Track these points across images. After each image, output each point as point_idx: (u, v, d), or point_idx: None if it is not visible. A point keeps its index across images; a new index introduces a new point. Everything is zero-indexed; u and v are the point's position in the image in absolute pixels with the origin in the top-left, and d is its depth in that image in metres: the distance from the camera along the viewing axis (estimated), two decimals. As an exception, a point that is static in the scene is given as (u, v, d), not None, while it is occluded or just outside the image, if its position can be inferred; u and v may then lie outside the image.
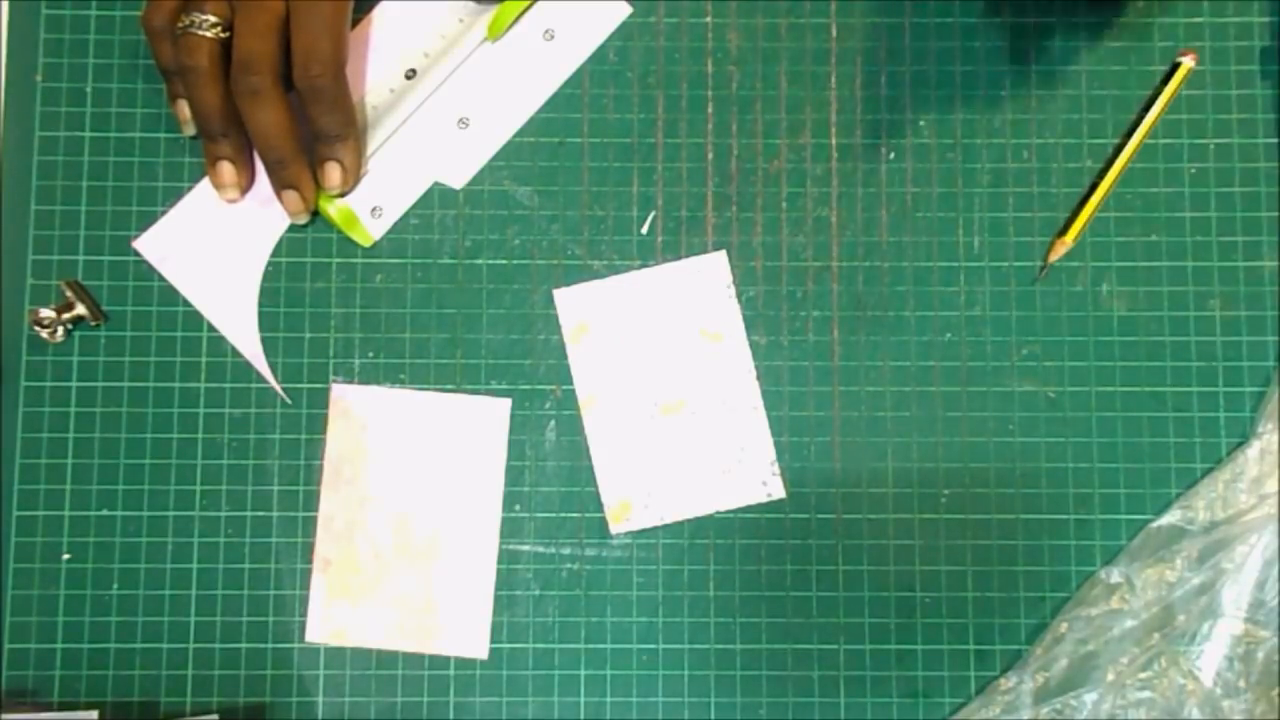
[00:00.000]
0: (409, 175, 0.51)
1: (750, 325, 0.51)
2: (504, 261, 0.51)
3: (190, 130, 0.50)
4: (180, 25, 0.47)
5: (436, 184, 0.51)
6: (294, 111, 0.48)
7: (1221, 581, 0.48)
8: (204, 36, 0.47)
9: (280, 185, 0.49)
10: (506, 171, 0.52)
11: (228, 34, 0.47)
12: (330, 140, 0.49)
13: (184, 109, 0.49)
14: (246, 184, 0.50)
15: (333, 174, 0.49)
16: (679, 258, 0.51)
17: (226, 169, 0.50)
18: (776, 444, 0.50)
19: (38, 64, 0.52)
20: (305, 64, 0.47)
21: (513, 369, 0.51)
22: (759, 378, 0.51)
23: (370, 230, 0.51)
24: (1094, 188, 0.51)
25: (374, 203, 0.51)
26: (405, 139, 0.51)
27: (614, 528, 0.50)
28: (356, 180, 0.51)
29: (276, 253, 0.51)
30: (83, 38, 0.52)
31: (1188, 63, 0.51)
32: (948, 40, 0.52)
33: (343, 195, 0.50)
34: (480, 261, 0.51)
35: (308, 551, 0.50)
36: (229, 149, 0.49)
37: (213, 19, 0.47)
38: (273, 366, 0.50)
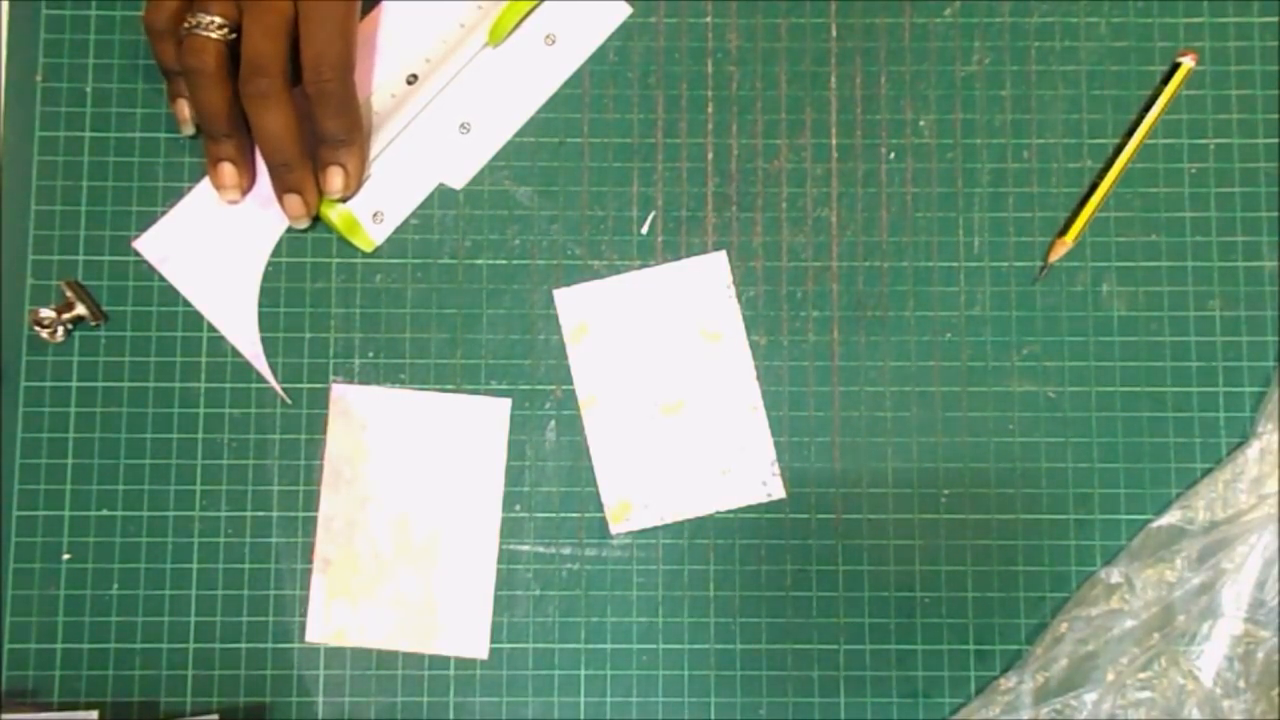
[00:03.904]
0: (411, 181, 0.51)
1: (750, 325, 0.51)
2: (504, 261, 0.51)
3: (189, 130, 0.50)
4: (185, 26, 0.47)
5: (436, 184, 0.51)
6: (301, 115, 0.48)
7: (1221, 581, 0.48)
8: (210, 38, 0.47)
9: (283, 189, 0.49)
10: (506, 172, 0.52)
11: (233, 35, 0.47)
12: (335, 145, 0.49)
13: (184, 109, 0.49)
14: (247, 185, 0.50)
15: (335, 179, 0.49)
16: (679, 258, 0.51)
17: (228, 170, 0.49)
18: (776, 444, 0.50)
19: (38, 64, 0.52)
20: (316, 67, 0.47)
21: (513, 369, 0.51)
22: (759, 378, 0.51)
23: (372, 235, 0.51)
24: (1094, 188, 0.51)
25: (376, 208, 0.51)
26: (407, 144, 0.51)
27: (614, 528, 0.50)
28: (359, 186, 0.51)
29: (276, 253, 0.51)
30: (83, 38, 0.52)
31: (1188, 63, 0.51)
32: (948, 40, 0.52)
33: (344, 200, 0.50)
34: (480, 261, 0.51)
35: (308, 551, 0.50)
36: (231, 150, 0.49)
37: (218, 20, 0.46)
38: (273, 366, 0.51)
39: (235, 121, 0.48)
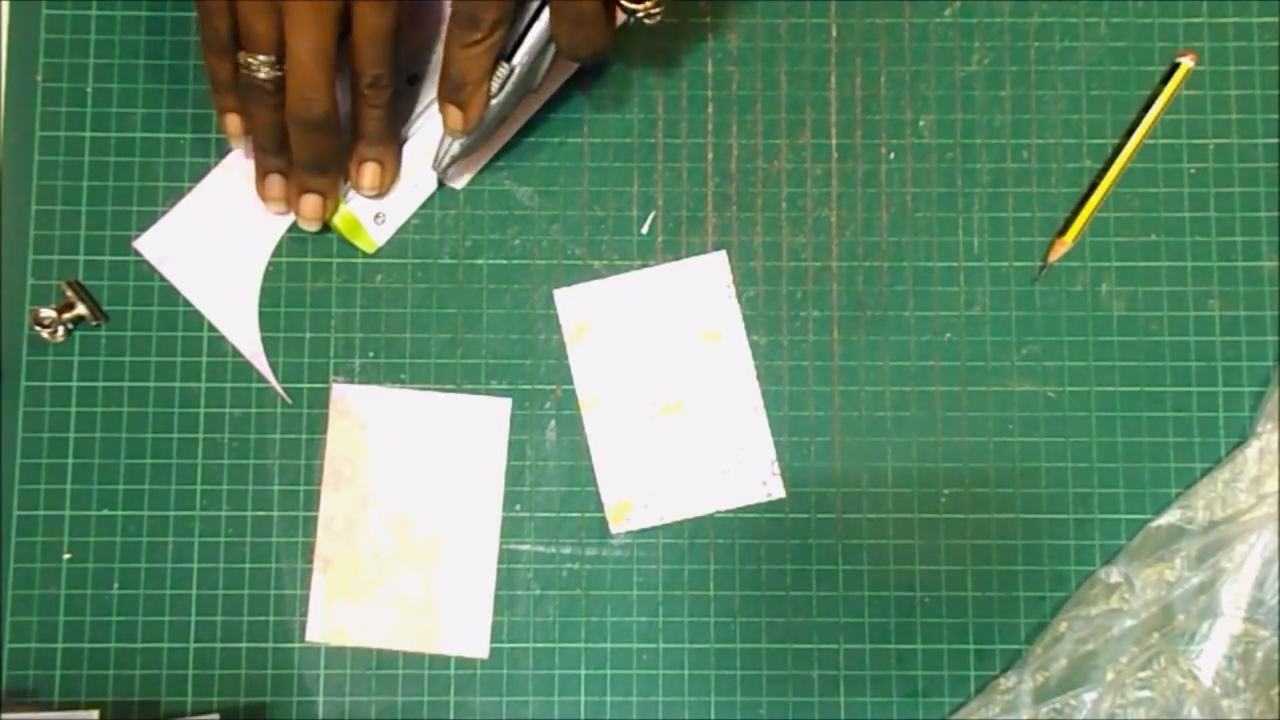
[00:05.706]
0: (412, 181, 0.51)
1: (750, 325, 0.51)
2: (504, 261, 0.51)
3: (240, 144, 0.49)
4: (241, 68, 0.46)
5: (437, 184, 0.51)
6: (342, 127, 0.48)
7: (1221, 581, 0.48)
8: (264, 79, 0.45)
9: (304, 189, 0.49)
10: (506, 171, 0.52)
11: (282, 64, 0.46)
12: (375, 142, 0.49)
13: (235, 124, 0.48)
14: None
15: (372, 175, 0.49)
16: (679, 258, 0.51)
17: (276, 182, 0.49)
18: (776, 444, 0.50)
19: (38, 64, 0.52)
20: (375, 75, 0.46)
21: (513, 369, 0.51)
22: (759, 378, 0.51)
23: (373, 237, 0.51)
24: (1094, 188, 0.51)
25: (377, 209, 0.51)
26: (408, 145, 0.51)
27: (614, 528, 0.50)
28: (394, 183, 0.50)
29: (276, 253, 0.51)
30: (83, 38, 0.52)
31: (1187, 63, 0.51)
32: (948, 40, 0.52)
33: (379, 197, 0.50)
34: (480, 261, 0.51)
35: (308, 551, 0.50)
36: (282, 164, 0.49)
37: (263, 57, 0.45)
38: (273, 366, 0.51)
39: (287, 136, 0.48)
